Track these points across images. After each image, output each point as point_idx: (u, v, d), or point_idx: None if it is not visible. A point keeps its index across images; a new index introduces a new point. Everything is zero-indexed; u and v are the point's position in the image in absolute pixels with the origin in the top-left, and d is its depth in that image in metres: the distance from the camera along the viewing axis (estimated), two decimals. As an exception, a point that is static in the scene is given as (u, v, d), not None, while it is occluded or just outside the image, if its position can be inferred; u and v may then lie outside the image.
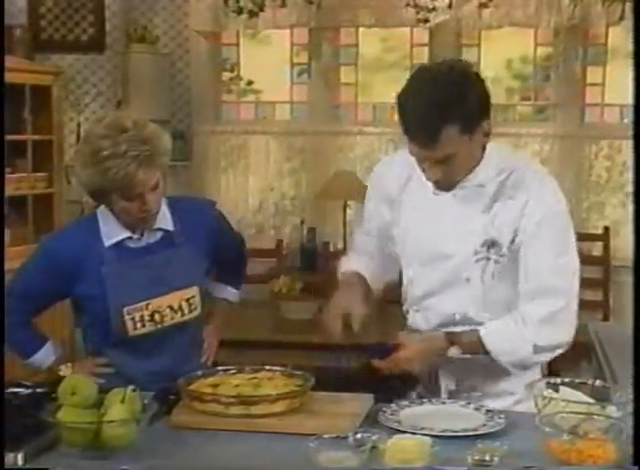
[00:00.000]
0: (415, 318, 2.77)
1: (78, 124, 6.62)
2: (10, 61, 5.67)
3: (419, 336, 2.68)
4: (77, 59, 6.67)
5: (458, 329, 2.65)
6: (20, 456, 2.15)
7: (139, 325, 2.77)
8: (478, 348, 2.60)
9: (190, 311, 2.84)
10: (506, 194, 2.60)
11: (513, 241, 2.59)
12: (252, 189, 6.73)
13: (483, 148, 2.61)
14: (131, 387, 2.28)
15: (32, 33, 6.49)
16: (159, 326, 2.80)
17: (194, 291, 2.84)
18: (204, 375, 2.62)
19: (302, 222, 6.52)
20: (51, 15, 6.63)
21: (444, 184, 2.61)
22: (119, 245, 2.78)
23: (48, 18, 6.63)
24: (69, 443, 2.22)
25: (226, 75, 6.84)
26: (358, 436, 2.17)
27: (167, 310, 2.81)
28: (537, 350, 2.58)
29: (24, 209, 6.01)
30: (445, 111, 2.42)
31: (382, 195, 2.80)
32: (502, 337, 2.59)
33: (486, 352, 2.60)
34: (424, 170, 2.57)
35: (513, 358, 2.59)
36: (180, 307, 2.82)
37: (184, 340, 2.84)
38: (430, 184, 2.63)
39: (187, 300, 2.83)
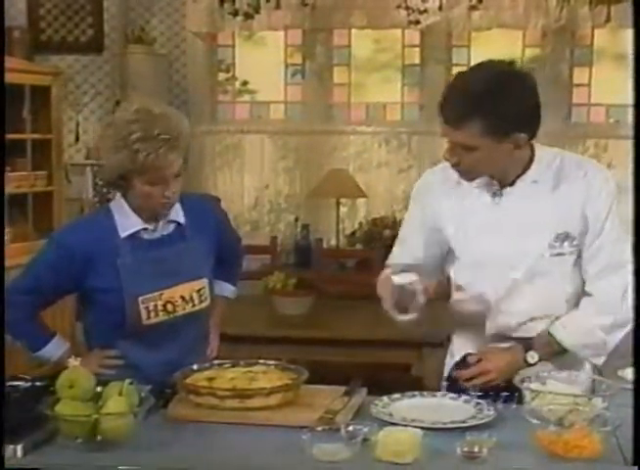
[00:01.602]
0: (495, 322, 2.75)
1: (77, 123, 6.69)
2: (10, 61, 5.68)
3: (499, 349, 2.70)
4: (76, 59, 6.70)
5: (539, 325, 2.70)
6: (19, 448, 2.19)
7: (152, 315, 2.80)
8: (555, 348, 2.67)
9: (200, 302, 2.87)
10: (562, 182, 2.65)
11: (584, 229, 2.65)
12: (248, 187, 6.77)
13: (532, 149, 2.66)
14: (128, 380, 2.31)
15: (32, 35, 6.53)
16: (171, 316, 2.82)
17: (203, 282, 2.88)
18: (199, 369, 2.66)
19: (297, 219, 6.60)
20: (50, 16, 6.65)
21: (463, 174, 2.65)
22: (134, 236, 2.80)
23: (47, 19, 6.66)
24: (68, 435, 2.24)
25: (222, 76, 6.89)
26: (350, 428, 2.20)
27: (179, 301, 2.83)
28: (612, 329, 2.65)
29: (25, 206, 6.06)
30: (478, 104, 2.47)
31: (428, 212, 2.80)
32: (578, 332, 2.65)
33: (565, 350, 2.66)
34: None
35: (591, 351, 2.67)
36: (191, 298, 2.85)
37: (192, 331, 2.87)
38: (485, 189, 2.69)
39: (198, 291, 2.86)
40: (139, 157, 2.62)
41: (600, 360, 2.70)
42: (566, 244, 2.65)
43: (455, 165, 2.62)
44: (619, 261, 2.62)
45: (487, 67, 2.58)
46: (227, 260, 3.11)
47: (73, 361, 2.87)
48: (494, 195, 2.69)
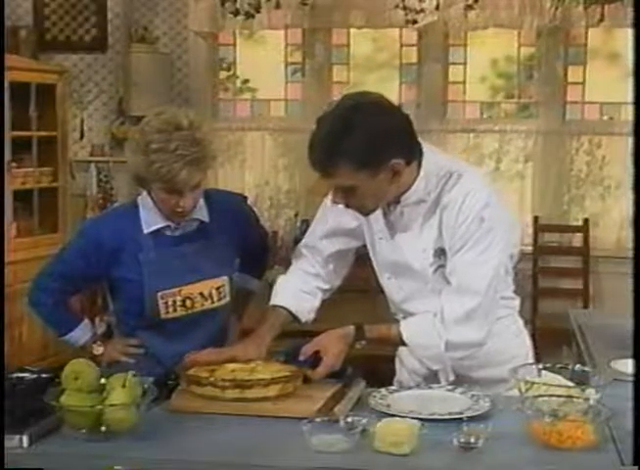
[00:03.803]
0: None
1: (81, 121, 6.75)
2: (16, 60, 5.85)
3: (331, 337, 2.66)
4: (81, 58, 6.75)
5: None
6: (25, 438, 2.21)
7: (171, 309, 2.86)
8: (391, 341, 2.68)
9: (219, 300, 2.92)
10: (442, 203, 2.59)
11: (450, 246, 2.60)
12: (248, 183, 6.79)
13: (419, 163, 2.59)
14: (132, 372, 2.33)
15: (38, 34, 6.58)
16: (189, 311, 2.88)
17: (224, 280, 2.92)
18: None
19: (296, 215, 6.64)
20: (55, 16, 6.69)
21: (358, 212, 2.64)
22: (157, 233, 2.85)
23: (52, 19, 6.69)
24: (72, 426, 2.26)
25: (223, 74, 6.91)
26: (349, 419, 2.22)
27: (198, 297, 2.88)
28: (449, 346, 2.58)
29: (30, 202, 6.15)
30: (336, 146, 2.42)
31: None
32: (418, 331, 2.61)
33: (404, 344, 2.64)
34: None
35: (427, 353, 2.61)
36: (210, 295, 2.90)
37: (212, 326, 2.89)
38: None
39: (217, 288, 2.91)
40: (153, 166, 2.67)
41: (436, 367, 2.67)
42: (442, 258, 2.63)
43: (347, 207, 2.61)
44: (468, 286, 2.57)
45: (337, 106, 2.53)
46: (254, 255, 3.13)
47: (98, 348, 2.99)
48: (384, 213, 2.70)
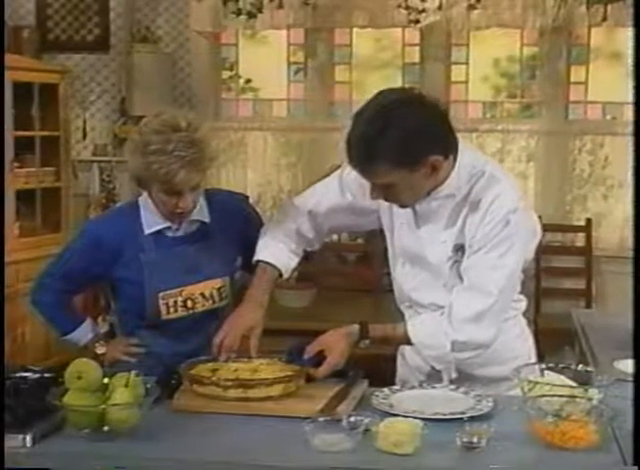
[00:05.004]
0: (409, 313, 2.78)
1: (84, 121, 6.76)
2: (18, 60, 5.88)
3: (336, 336, 2.66)
4: (83, 58, 6.76)
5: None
6: (28, 438, 2.22)
7: (172, 310, 2.87)
8: (396, 341, 2.70)
9: (220, 300, 2.92)
10: (470, 200, 2.60)
11: (470, 244, 2.61)
12: (251, 183, 6.80)
13: (455, 157, 2.58)
14: (134, 372, 2.33)
15: (40, 34, 6.61)
16: (190, 312, 2.89)
17: (225, 281, 2.93)
18: (204, 360, 2.68)
19: None
20: (58, 16, 6.70)
21: (396, 205, 2.66)
22: (158, 233, 2.86)
23: (55, 19, 6.71)
24: (75, 425, 2.27)
25: (225, 74, 6.92)
26: (352, 419, 2.23)
27: (199, 298, 2.89)
28: (455, 346, 2.58)
29: (33, 202, 6.18)
30: (372, 146, 2.43)
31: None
32: (425, 332, 2.62)
33: (410, 343, 2.65)
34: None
35: (433, 353, 2.62)
36: (211, 296, 2.91)
37: (213, 326, 2.82)
38: None
39: (218, 289, 2.91)
40: (152, 167, 2.68)
41: (441, 367, 2.68)
42: (459, 253, 2.64)
43: (385, 200, 2.64)
44: (482, 287, 2.58)
45: (373, 104, 2.50)
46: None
47: (100, 347, 3.00)
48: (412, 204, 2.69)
